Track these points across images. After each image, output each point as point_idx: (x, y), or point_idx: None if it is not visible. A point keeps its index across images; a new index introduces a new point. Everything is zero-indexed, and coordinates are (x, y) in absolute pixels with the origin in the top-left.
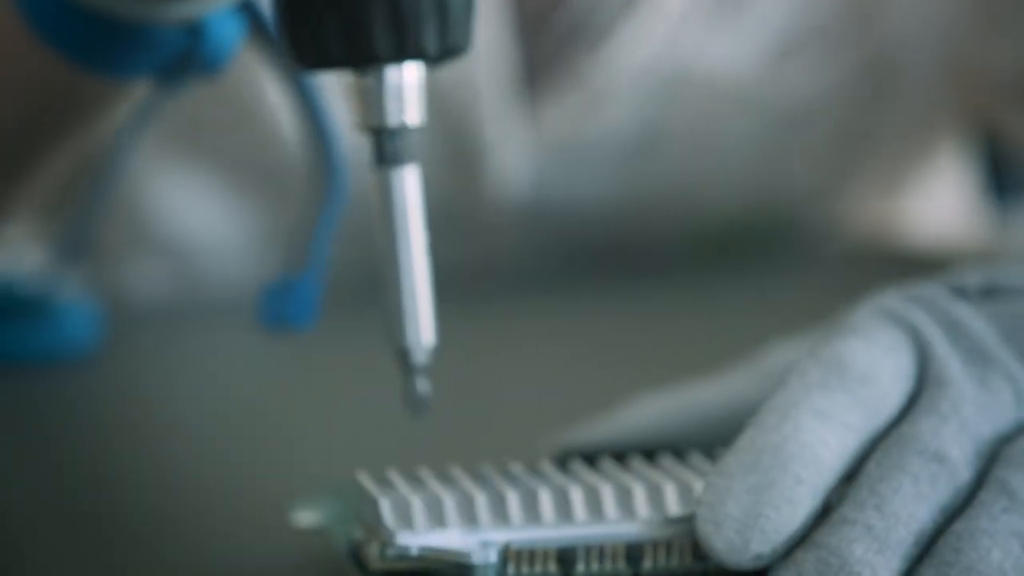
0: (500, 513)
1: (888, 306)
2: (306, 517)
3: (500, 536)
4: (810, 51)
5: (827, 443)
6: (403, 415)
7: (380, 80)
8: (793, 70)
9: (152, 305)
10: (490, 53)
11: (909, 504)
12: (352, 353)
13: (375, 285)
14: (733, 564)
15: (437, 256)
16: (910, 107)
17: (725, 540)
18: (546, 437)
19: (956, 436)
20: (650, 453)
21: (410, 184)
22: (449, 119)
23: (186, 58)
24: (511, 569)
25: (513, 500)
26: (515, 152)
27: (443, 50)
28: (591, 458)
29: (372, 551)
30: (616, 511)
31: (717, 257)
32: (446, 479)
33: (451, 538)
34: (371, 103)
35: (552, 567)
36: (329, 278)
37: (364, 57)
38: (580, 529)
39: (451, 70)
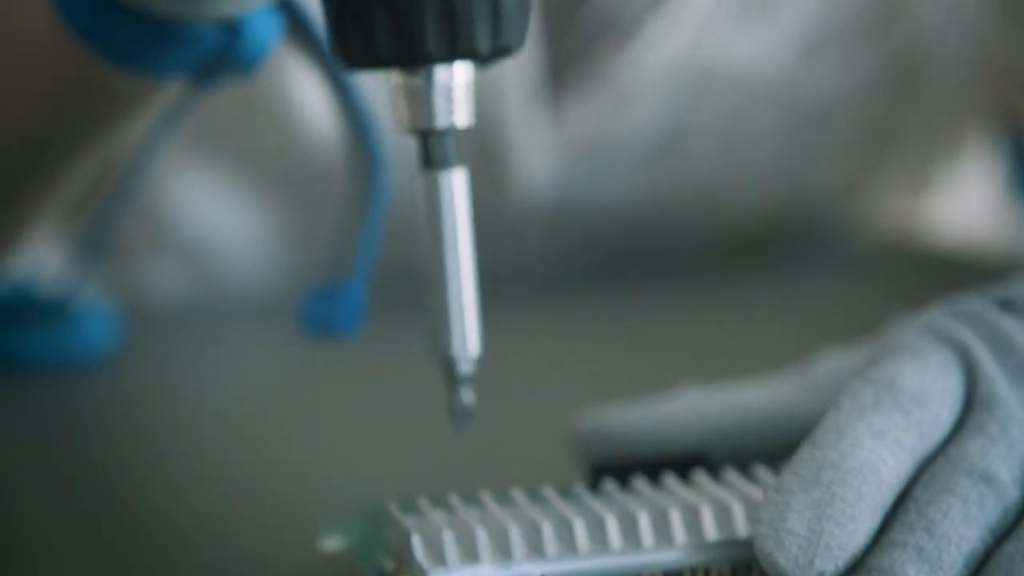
0: (534, 544)
1: (937, 324)
2: (333, 542)
3: (535, 570)
4: (836, 49)
5: (885, 461)
6: (424, 420)
7: (429, 80)
8: (819, 68)
9: (171, 306)
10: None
11: (959, 525)
12: (371, 357)
13: (398, 289)
14: None
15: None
16: (936, 104)
17: (789, 557)
18: (583, 419)
19: (1004, 457)
20: (684, 469)
21: (458, 187)
22: (474, 120)
23: (223, 56)
24: None
25: (547, 530)
26: (540, 153)
27: (495, 50)
28: (624, 475)
29: None
30: (652, 537)
31: (743, 256)
32: (477, 506)
33: (484, 573)
34: (419, 104)
35: None
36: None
37: (415, 57)
38: (616, 559)
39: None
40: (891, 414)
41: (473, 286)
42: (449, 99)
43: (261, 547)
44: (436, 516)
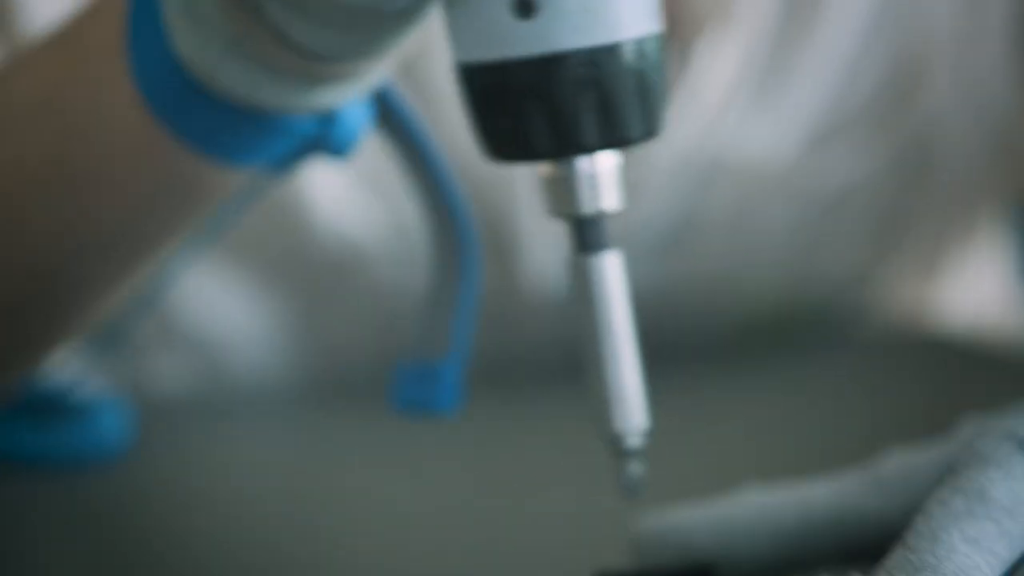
0: None
1: (1013, 431)
2: None
3: None
4: (847, 137)
5: (980, 568)
6: (433, 510)
7: (577, 169)
8: (830, 157)
9: (179, 399)
10: None
11: None
12: (382, 443)
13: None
14: None
15: (478, 344)
16: (949, 189)
17: None
18: (645, 520)
19: None
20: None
21: (612, 270)
22: (485, 212)
23: (315, 145)
24: None
25: None
26: (550, 242)
27: (646, 136)
28: None
29: None
30: None
31: (754, 345)
32: None
33: None
34: (567, 191)
35: None
36: (357, 374)
37: (571, 149)
38: None
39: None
40: (984, 523)
41: (635, 362)
42: (597, 185)
43: None
44: None
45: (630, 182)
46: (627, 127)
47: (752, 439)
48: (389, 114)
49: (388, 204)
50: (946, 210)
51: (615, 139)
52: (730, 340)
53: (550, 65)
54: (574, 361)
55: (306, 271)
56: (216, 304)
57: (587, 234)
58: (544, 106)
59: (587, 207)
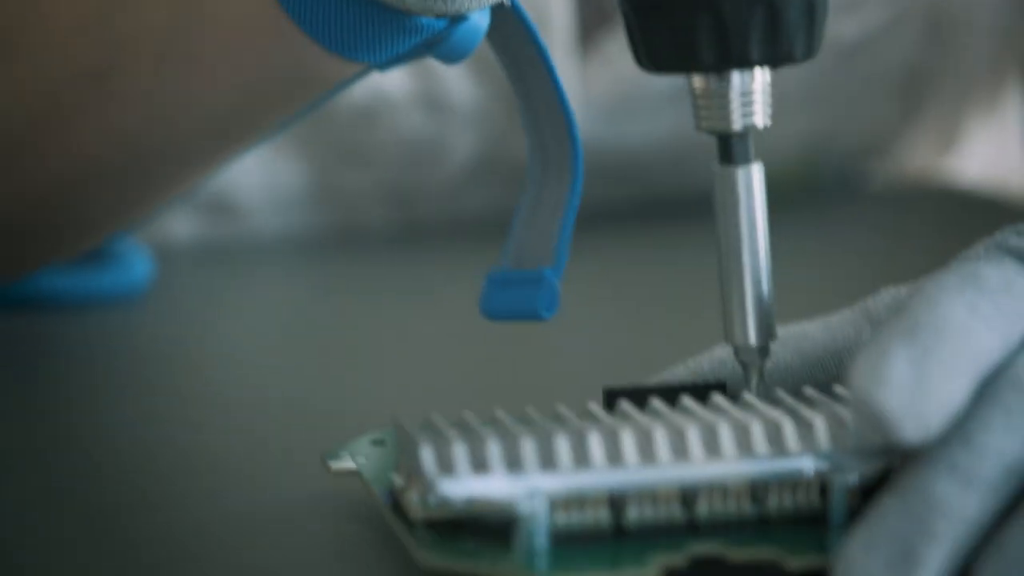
0: (547, 458)
1: (1004, 241)
2: (345, 461)
3: (547, 483)
4: None
5: (980, 333)
6: (447, 354)
7: (733, 84)
8: (852, 12)
9: (194, 248)
10: (547, 10)
11: (998, 437)
12: (401, 293)
13: (420, 241)
14: (896, 430)
15: (487, 203)
16: (972, 50)
17: (895, 401)
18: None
19: None
20: (702, 394)
21: (756, 182)
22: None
23: (434, 45)
24: (559, 516)
25: (561, 444)
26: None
27: (807, 55)
28: (641, 399)
29: (412, 499)
30: (669, 453)
31: (775, 201)
32: (491, 423)
33: (495, 486)
34: (721, 107)
35: (602, 514)
36: (373, 231)
37: (737, 63)
38: (631, 473)
39: None
40: (979, 295)
41: (768, 277)
42: (751, 102)
43: (276, 469)
44: (448, 431)
45: None
46: (792, 45)
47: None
48: (507, 19)
49: None
50: (969, 72)
51: (778, 56)
52: None
53: None
54: (592, 217)
55: (327, 118)
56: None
57: (736, 148)
58: (712, 19)
59: (739, 123)
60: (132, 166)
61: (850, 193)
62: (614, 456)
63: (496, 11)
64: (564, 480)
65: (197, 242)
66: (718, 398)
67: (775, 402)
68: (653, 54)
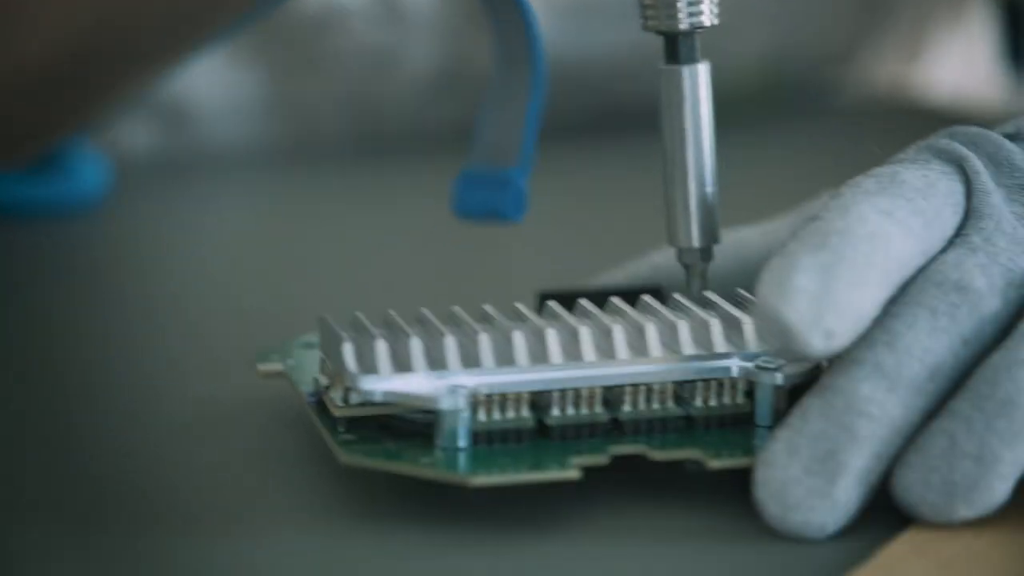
0: (471, 357)
1: (936, 142)
2: (273, 363)
3: (469, 380)
4: None
5: (893, 236)
6: (402, 263)
7: None
8: None
9: (149, 158)
10: None
11: (924, 338)
12: (355, 204)
13: (378, 153)
14: (801, 342)
15: (447, 114)
16: None
17: (796, 313)
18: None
19: (984, 266)
20: (634, 298)
21: (702, 80)
22: None
23: None
24: (481, 415)
25: (485, 343)
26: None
27: None
28: (572, 302)
29: (334, 397)
30: (594, 353)
31: (735, 111)
32: (416, 322)
33: (417, 383)
34: (668, 7)
35: (525, 412)
36: (330, 142)
37: None
38: (554, 372)
39: None
40: (896, 199)
41: (713, 178)
42: (699, 2)
43: (213, 374)
44: (373, 329)
45: None
46: None
47: (729, 202)
48: None
49: None
50: None
51: None
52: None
53: None
54: (554, 128)
55: (283, 30)
56: (188, 72)
57: (682, 48)
58: None
59: (685, 22)
60: (79, 68)
61: (813, 108)
62: (538, 355)
63: None
64: (486, 378)
65: (153, 152)
66: (648, 300)
67: (706, 304)
68: None
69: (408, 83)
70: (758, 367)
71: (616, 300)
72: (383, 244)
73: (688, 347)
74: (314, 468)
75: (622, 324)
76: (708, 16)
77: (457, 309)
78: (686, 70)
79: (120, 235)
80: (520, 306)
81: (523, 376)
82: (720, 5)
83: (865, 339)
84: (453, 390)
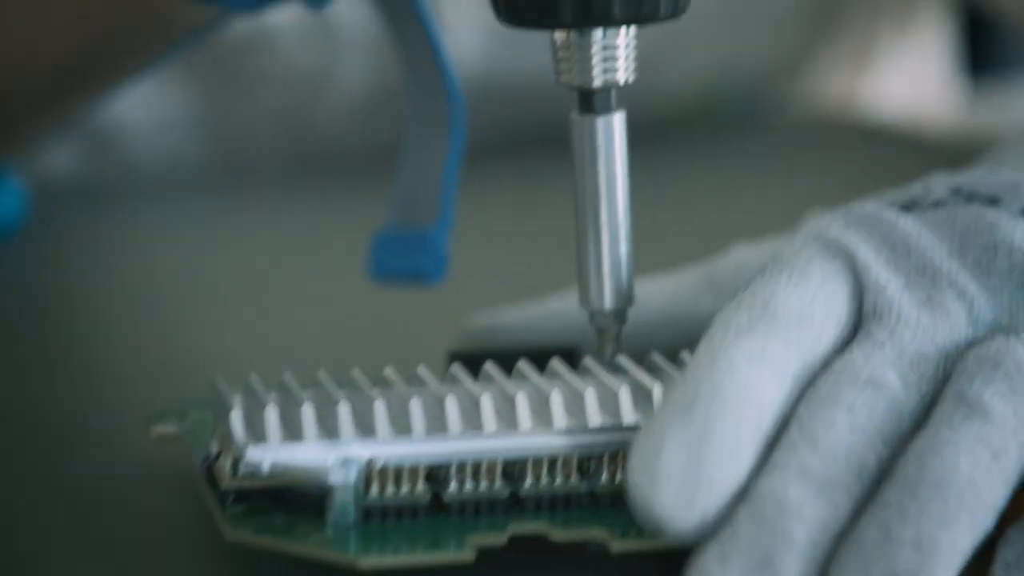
0: (365, 425)
1: (824, 232)
2: (164, 427)
3: (362, 451)
4: None
5: (764, 386)
6: (319, 307)
7: (595, 41)
8: None
9: (73, 182)
10: None
11: (845, 437)
12: (285, 229)
13: (309, 174)
14: (675, 527)
15: (380, 135)
16: None
17: (666, 500)
18: (477, 318)
19: (893, 361)
20: (541, 359)
21: (617, 131)
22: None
23: None
24: (374, 489)
25: (380, 410)
26: (467, 32)
27: (673, 14)
28: (476, 364)
29: (223, 467)
30: (495, 423)
31: (679, 130)
32: (311, 386)
33: (307, 453)
34: (583, 62)
35: (420, 487)
36: (261, 163)
37: (599, 21)
38: (452, 444)
39: None
40: (768, 334)
41: (627, 236)
42: (613, 57)
43: (108, 433)
44: (264, 394)
45: None
46: (657, 5)
47: (672, 222)
48: None
49: None
50: None
51: (642, 15)
52: (658, 124)
53: None
54: (490, 146)
55: (213, 49)
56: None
57: (596, 102)
58: None
59: (599, 79)
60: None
61: (759, 124)
62: (437, 424)
63: None
64: (381, 449)
65: (76, 175)
66: (557, 364)
67: (617, 370)
68: (512, 8)
69: (340, 103)
70: None
71: (523, 364)
72: (310, 276)
73: (595, 417)
74: (202, 545)
75: (526, 391)
76: (624, 72)
77: (356, 372)
78: (600, 121)
79: (35, 266)
80: (423, 368)
81: (420, 447)
82: (639, 49)
83: (786, 442)
84: (345, 463)
